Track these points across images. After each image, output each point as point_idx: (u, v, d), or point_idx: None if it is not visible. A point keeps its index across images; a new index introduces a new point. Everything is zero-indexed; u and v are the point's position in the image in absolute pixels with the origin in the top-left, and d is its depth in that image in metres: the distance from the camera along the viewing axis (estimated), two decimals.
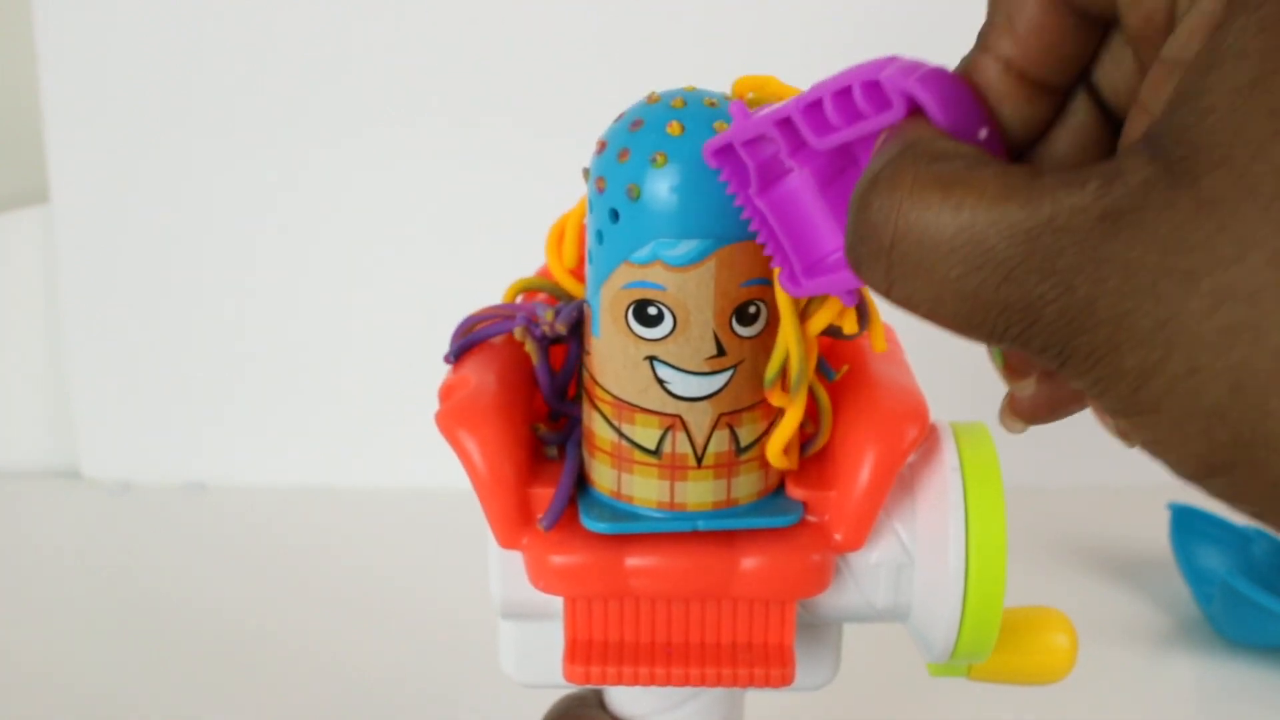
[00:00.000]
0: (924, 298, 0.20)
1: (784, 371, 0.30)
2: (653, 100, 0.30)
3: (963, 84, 0.23)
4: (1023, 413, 0.27)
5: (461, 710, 0.57)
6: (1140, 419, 0.19)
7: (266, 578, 0.68)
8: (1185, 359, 0.18)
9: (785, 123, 0.25)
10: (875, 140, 0.23)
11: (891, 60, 0.23)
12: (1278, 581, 0.63)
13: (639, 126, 0.29)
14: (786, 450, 0.32)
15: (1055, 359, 0.19)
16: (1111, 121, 0.24)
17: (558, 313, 0.32)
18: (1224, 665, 0.61)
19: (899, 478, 0.33)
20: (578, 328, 0.33)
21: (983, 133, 0.22)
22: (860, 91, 0.23)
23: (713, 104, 0.29)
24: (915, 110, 0.22)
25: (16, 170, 0.80)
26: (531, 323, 0.33)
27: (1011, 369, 0.25)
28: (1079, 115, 0.24)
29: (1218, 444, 0.19)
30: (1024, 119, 0.23)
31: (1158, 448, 0.19)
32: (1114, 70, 0.23)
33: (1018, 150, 0.24)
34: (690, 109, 0.29)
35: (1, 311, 0.81)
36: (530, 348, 0.33)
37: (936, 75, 0.22)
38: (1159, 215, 0.18)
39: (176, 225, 0.77)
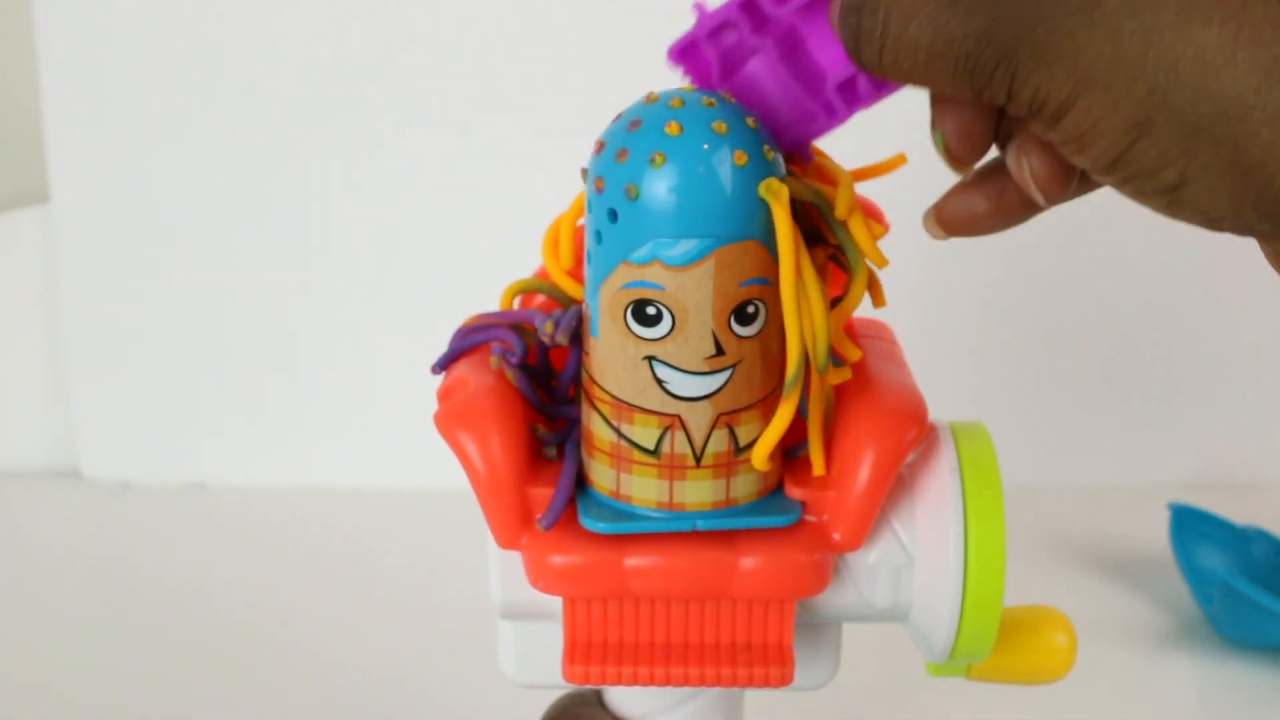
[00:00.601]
0: (908, 48, 0.25)
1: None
2: (651, 100, 0.30)
3: None
4: (945, 221, 0.31)
5: (461, 710, 0.57)
6: (1079, 104, 0.24)
7: (266, 578, 0.68)
8: (1107, 32, 0.23)
9: (748, 4, 0.30)
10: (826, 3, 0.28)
11: None
12: (1278, 581, 0.63)
13: (637, 127, 0.29)
14: (773, 456, 0.32)
15: (1008, 72, 0.24)
16: None
17: (557, 323, 0.32)
18: (1224, 665, 0.61)
19: (898, 478, 0.33)
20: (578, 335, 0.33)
21: None
22: None
23: (711, 104, 0.29)
24: None
25: (16, 170, 0.80)
26: (507, 351, 0.33)
27: (952, 154, 0.29)
28: None
29: (1138, 100, 0.23)
30: None
31: (1094, 129, 0.24)
32: None
33: None
34: (688, 109, 0.29)
35: (1, 311, 0.81)
36: (510, 375, 0.33)
37: None
38: None
39: (177, 225, 0.77)
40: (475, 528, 0.33)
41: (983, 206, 0.30)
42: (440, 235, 0.76)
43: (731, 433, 0.31)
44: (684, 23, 0.80)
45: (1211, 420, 0.80)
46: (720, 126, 0.29)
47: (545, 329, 0.32)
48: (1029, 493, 0.59)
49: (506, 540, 0.32)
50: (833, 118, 0.30)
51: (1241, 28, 0.22)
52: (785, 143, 0.31)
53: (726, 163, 0.29)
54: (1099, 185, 0.28)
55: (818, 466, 0.32)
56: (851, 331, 0.36)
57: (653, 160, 0.29)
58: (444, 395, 0.34)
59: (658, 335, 0.30)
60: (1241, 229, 0.24)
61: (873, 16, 0.26)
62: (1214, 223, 0.24)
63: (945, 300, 0.71)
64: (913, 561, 0.33)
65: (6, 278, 0.80)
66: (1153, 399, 0.79)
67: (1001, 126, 0.29)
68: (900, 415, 0.32)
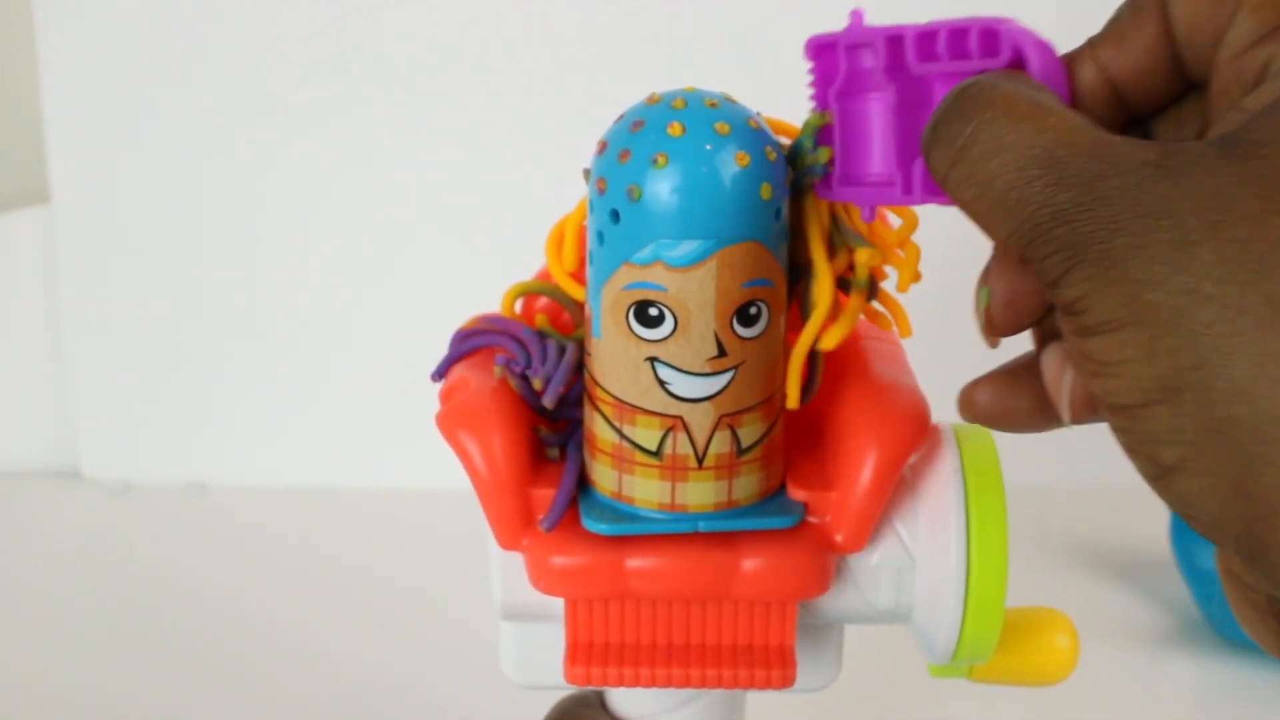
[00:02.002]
0: (978, 179, 0.23)
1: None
2: (653, 101, 0.30)
3: (1062, 64, 0.26)
4: (978, 412, 0.29)
5: (461, 712, 0.57)
6: (1118, 334, 0.21)
7: (266, 578, 0.68)
8: (1186, 281, 0.20)
9: (895, 40, 0.28)
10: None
11: (1010, 20, 0.26)
12: None
13: (640, 127, 0.29)
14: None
15: (1065, 262, 0.22)
16: None
17: (547, 381, 0.32)
18: (1224, 665, 0.61)
19: (900, 479, 0.33)
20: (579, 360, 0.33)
21: None
22: (976, 35, 0.26)
23: (714, 104, 0.29)
24: (1016, 65, 0.25)
25: (16, 170, 0.80)
26: (511, 361, 0.33)
27: (990, 319, 0.27)
28: None
29: (1179, 366, 0.21)
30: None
31: (1120, 367, 0.21)
32: (1174, 129, 0.26)
33: None
34: (691, 109, 0.29)
35: (1, 311, 0.81)
36: (514, 384, 0.33)
37: (1046, 45, 0.25)
38: (1205, 174, 0.21)
39: (176, 225, 0.77)
40: (475, 528, 0.33)
41: (1025, 404, 0.28)
42: (441, 235, 0.76)
43: (734, 434, 0.31)
44: (683, 22, 0.79)
45: None
46: (723, 127, 0.29)
47: (535, 383, 0.32)
48: (1030, 493, 0.59)
49: (508, 541, 0.32)
50: (907, 194, 0.28)
51: None
52: (853, 192, 0.29)
53: (729, 163, 0.29)
54: None
55: (792, 399, 0.32)
56: (854, 333, 0.36)
57: (655, 161, 0.29)
58: (446, 396, 0.34)
59: (660, 336, 0.30)
60: (1210, 536, 0.22)
61: (960, 123, 0.24)
62: (1189, 515, 0.22)
63: (948, 302, 0.71)
64: (915, 563, 0.33)
65: (6, 278, 0.80)
66: None
67: (1048, 318, 0.27)
68: (903, 417, 0.32)
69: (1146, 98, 0.26)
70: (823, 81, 0.30)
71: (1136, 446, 0.22)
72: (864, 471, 0.31)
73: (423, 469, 0.75)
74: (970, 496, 0.32)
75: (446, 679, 0.59)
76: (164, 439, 0.80)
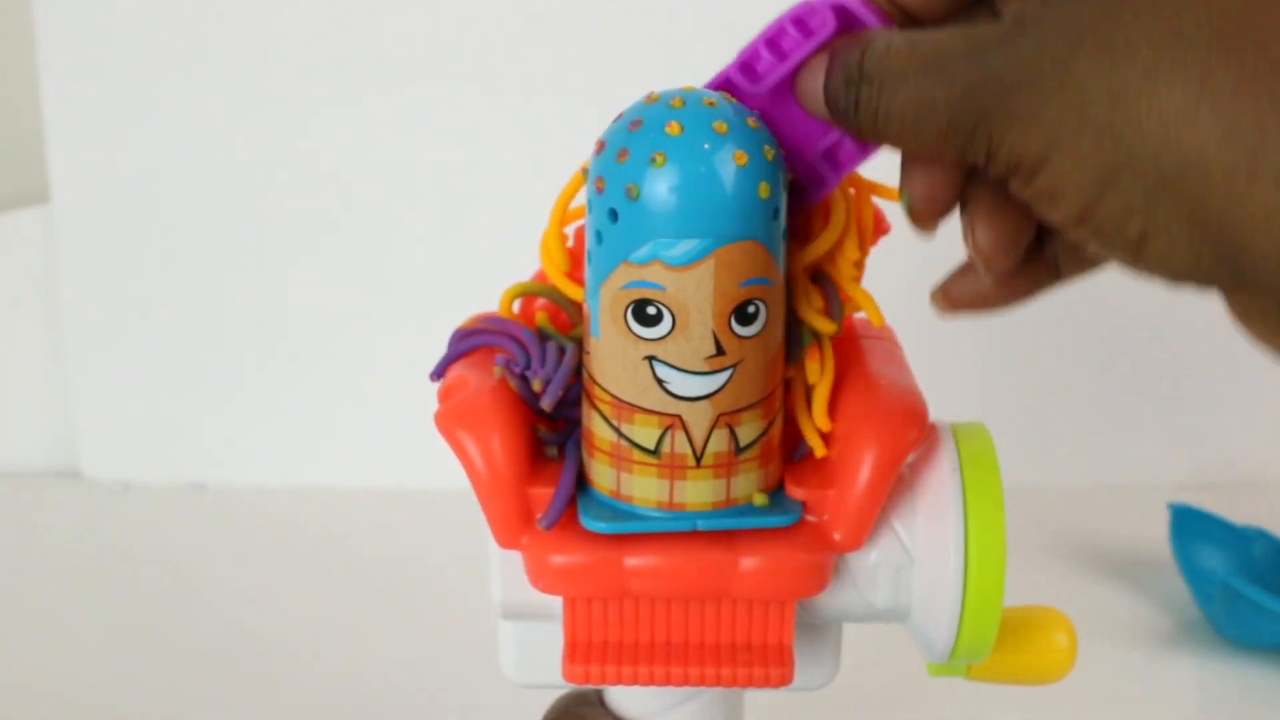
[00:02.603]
0: (896, 116, 0.27)
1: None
2: (652, 100, 0.30)
3: (875, 6, 0.29)
4: (953, 300, 0.32)
5: (461, 711, 0.57)
6: (1050, 161, 0.25)
7: (266, 578, 0.68)
8: (1075, 94, 0.24)
9: (726, 84, 0.31)
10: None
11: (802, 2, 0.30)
12: (1278, 581, 0.63)
13: (638, 126, 0.29)
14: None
15: (984, 138, 0.26)
16: None
17: (546, 383, 0.32)
18: (1224, 665, 0.61)
19: (899, 478, 0.33)
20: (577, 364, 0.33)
21: None
22: (792, 27, 0.30)
23: (712, 103, 0.29)
24: (849, 25, 0.29)
25: (16, 170, 0.80)
26: (511, 362, 0.33)
27: (916, 214, 0.30)
28: None
29: (1105, 157, 0.24)
30: None
31: (1065, 186, 0.25)
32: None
33: None
34: (689, 109, 0.29)
35: (1, 311, 0.81)
36: (514, 385, 0.33)
37: None
38: (1043, 25, 0.25)
39: (176, 225, 0.77)
40: (475, 527, 0.33)
41: (989, 285, 0.32)
42: (440, 235, 0.76)
43: (732, 433, 0.31)
44: (683, 21, 0.79)
45: (1211, 420, 0.80)
46: (721, 126, 0.29)
47: (534, 385, 0.32)
48: (1029, 493, 0.59)
49: (507, 540, 0.32)
50: (823, 187, 0.31)
51: (1204, 90, 0.23)
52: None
53: (727, 162, 0.29)
54: (1075, 274, 0.31)
55: (818, 448, 0.32)
56: (852, 332, 0.36)
57: (653, 160, 0.29)
58: (444, 395, 0.34)
59: (658, 335, 0.30)
60: (1201, 280, 0.25)
61: (869, 87, 0.28)
62: (1176, 275, 0.25)
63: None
64: (913, 562, 0.33)
65: (6, 277, 0.80)
66: (1152, 398, 0.79)
67: (964, 195, 0.30)
68: (901, 415, 0.32)
69: (941, 14, 0.29)
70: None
71: (1109, 238, 0.25)
72: (862, 470, 0.31)
73: (423, 469, 0.75)
74: (968, 495, 0.32)
75: (446, 679, 0.59)
76: (164, 439, 0.80)
